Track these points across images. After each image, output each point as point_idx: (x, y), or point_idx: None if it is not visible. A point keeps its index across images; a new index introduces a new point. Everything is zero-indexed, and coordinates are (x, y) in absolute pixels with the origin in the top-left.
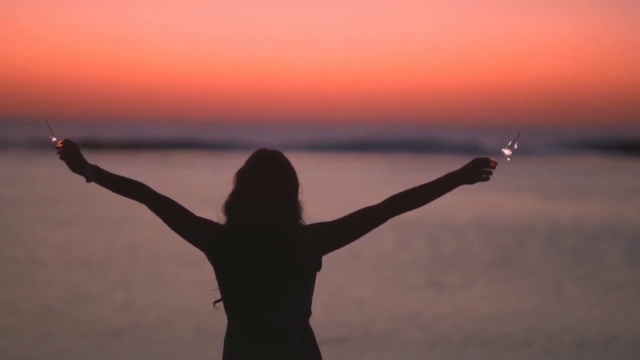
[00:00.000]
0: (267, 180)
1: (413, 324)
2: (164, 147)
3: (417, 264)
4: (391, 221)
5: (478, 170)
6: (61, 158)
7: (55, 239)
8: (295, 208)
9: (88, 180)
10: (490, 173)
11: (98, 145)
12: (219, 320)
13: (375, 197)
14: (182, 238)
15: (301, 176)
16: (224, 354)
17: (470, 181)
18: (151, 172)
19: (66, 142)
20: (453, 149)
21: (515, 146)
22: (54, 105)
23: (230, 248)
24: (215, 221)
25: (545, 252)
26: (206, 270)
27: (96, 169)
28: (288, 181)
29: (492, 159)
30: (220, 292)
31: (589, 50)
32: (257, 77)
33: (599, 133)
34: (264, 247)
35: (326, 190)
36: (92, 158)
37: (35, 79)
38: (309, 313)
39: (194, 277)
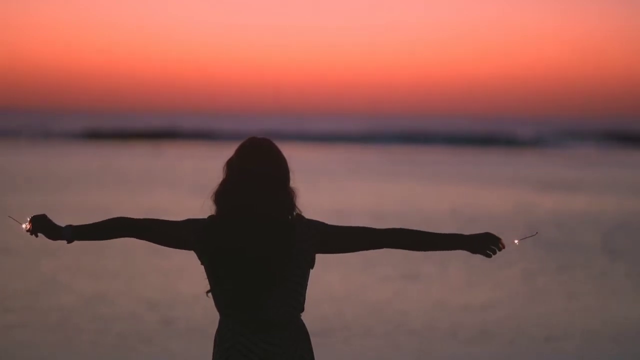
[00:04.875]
0: (258, 169)
1: (383, 316)
2: (158, 136)
3: (391, 254)
4: (367, 210)
5: (485, 246)
6: (37, 236)
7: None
8: (288, 195)
9: (69, 242)
10: (495, 252)
11: (100, 136)
12: (185, 313)
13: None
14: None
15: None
16: (215, 350)
17: (474, 251)
18: (172, 162)
19: (33, 220)
20: (446, 140)
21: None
22: (60, 96)
23: (224, 237)
24: (199, 217)
25: (523, 243)
26: (176, 261)
27: (71, 228)
28: (279, 169)
29: (502, 241)
30: (213, 286)
31: (584, 42)
32: (255, 67)
33: (593, 124)
34: (260, 235)
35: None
36: (96, 148)
37: (37, 71)
38: (303, 309)
39: (164, 267)
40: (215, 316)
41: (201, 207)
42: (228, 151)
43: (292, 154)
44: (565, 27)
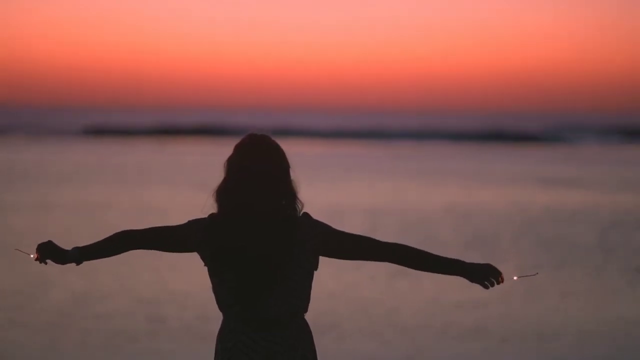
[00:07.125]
0: (257, 167)
1: (375, 314)
2: (160, 132)
3: None
4: (361, 205)
5: (485, 277)
6: (46, 263)
7: (20, 223)
8: (289, 193)
9: (78, 263)
10: (493, 285)
11: (100, 132)
12: (177, 312)
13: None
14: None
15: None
16: (217, 348)
17: (472, 280)
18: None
19: (40, 248)
20: (452, 137)
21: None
22: (59, 93)
23: (226, 236)
24: (200, 217)
25: (519, 240)
26: (168, 259)
27: (78, 250)
28: (279, 166)
29: (503, 276)
30: (215, 285)
31: (585, 39)
32: (257, 64)
33: (601, 120)
34: (261, 233)
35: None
36: (97, 144)
37: (37, 68)
38: (306, 309)
39: (156, 265)
40: (208, 315)
41: (203, 206)
42: (230, 147)
43: (293, 150)
44: (570, 24)
